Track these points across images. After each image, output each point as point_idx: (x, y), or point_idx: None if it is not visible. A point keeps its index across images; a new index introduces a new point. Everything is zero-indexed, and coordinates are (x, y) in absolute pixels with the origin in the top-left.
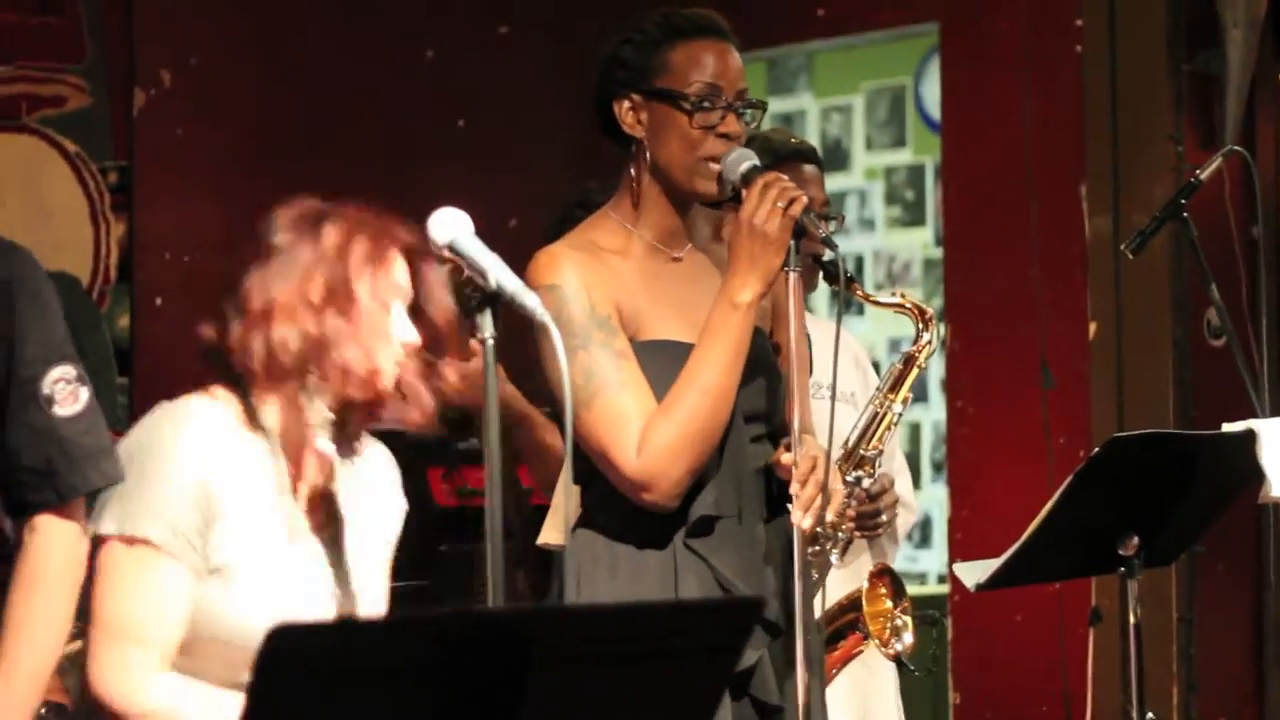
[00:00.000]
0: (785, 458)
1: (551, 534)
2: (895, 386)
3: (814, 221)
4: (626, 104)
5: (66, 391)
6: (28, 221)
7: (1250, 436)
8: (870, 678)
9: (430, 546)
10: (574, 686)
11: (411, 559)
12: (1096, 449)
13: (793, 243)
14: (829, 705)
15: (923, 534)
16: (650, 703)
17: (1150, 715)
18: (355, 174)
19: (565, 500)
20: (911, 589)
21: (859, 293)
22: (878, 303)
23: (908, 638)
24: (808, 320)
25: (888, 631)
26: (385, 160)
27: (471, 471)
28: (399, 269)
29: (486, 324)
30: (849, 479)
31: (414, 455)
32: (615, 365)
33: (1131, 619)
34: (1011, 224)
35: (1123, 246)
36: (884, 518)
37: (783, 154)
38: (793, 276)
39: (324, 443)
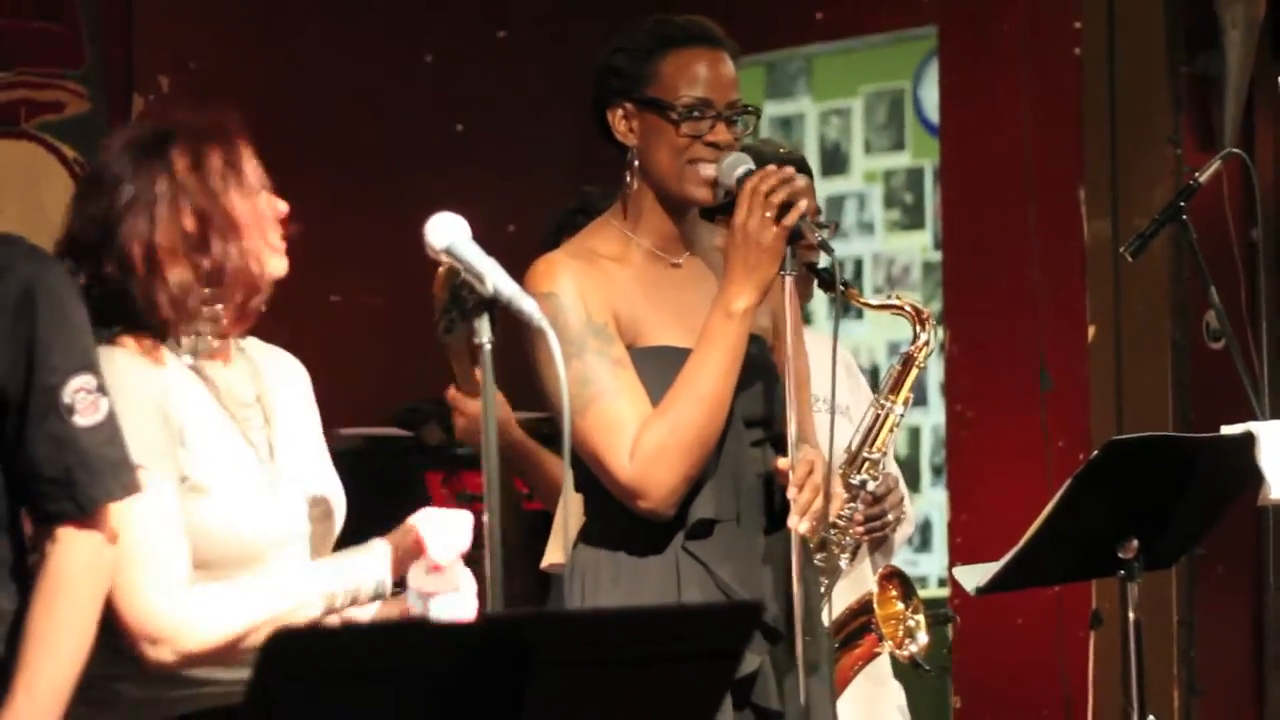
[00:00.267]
0: (783, 462)
1: (556, 555)
2: (895, 388)
3: (810, 226)
4: (620, 112)
5: (87, 401)
6: (26, 227)
7: (1249, 439)
8: (877, 690)
9: None
10: (575, 691)
11: None
12: (1096, 452)
13: (788, 248)
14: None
15: (923, 538)
16: (651, 707)
17: (1151, 718)
18: (354, 178)
19: (565, 519)
20: None
21: (855, 298)
22: (873, 306)
23: (922, 638)
24: (805, 333)
25: (901, 632)
26: (384, 164)
27: (470, 476)
28: (247, 157)
29: (484, 329)
30: (854, 481)
31: (413, 460)
32: (611, 372)
33: (1132, 622)
34: (1010, 227)
35: (1122, 249)
36: (890, 516)
37: (774, 164)
38: (788, 280)
39: (233, 352)
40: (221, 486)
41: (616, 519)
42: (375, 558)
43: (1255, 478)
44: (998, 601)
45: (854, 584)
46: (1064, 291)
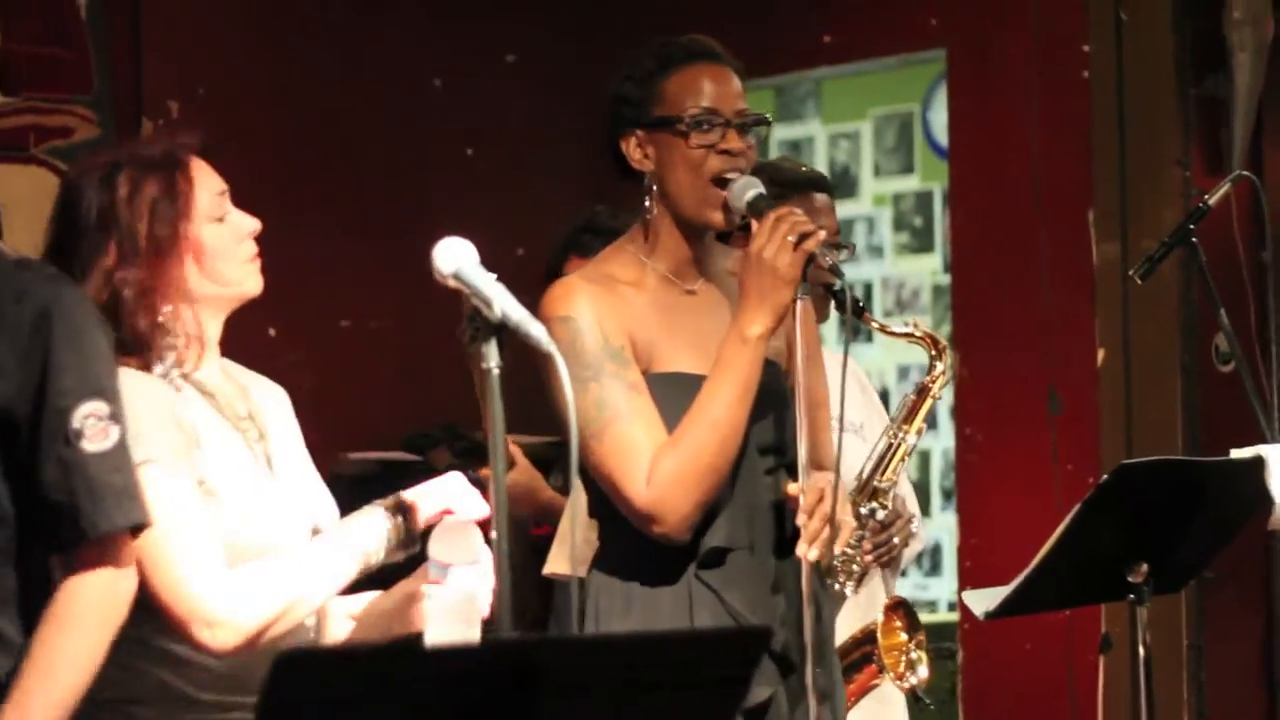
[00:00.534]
0: (793, 488)
1: (558, 563)
2: (910, 417)
3: (824, 251)
4: (633, 140)
5: (97, 428)
6: (35, 252)
7: (1259, 462)
8: (883, 709)
9: None
10: (582, 716)
11: None
12: (1105, 476)
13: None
14: None
15: (932, 561)
16: None
17: None
18: (363, 203)
19: (572, 530)
20: (921, 617)
21: (873, 322)
22: (891, 332)
23: (923, 671)
24: (824, 353)
25: (902, 665)
26: (393, 188)
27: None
28: (204, 173)
29: (491, 354)
30: (864, 510)
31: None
32: (627, 397)
33: (1141, 646)
34: (1020, 250)
35: (1131, 272)
36: (896, 540)
37: (793, 183)
38: (799, 304)
39: (229, 367)
40: (231, 492)
41: (630, 545)
42: (376, 516)
43: (1265, 501)
44: (1007, 626)
45: (864, 605)
46: (1073, 314)
